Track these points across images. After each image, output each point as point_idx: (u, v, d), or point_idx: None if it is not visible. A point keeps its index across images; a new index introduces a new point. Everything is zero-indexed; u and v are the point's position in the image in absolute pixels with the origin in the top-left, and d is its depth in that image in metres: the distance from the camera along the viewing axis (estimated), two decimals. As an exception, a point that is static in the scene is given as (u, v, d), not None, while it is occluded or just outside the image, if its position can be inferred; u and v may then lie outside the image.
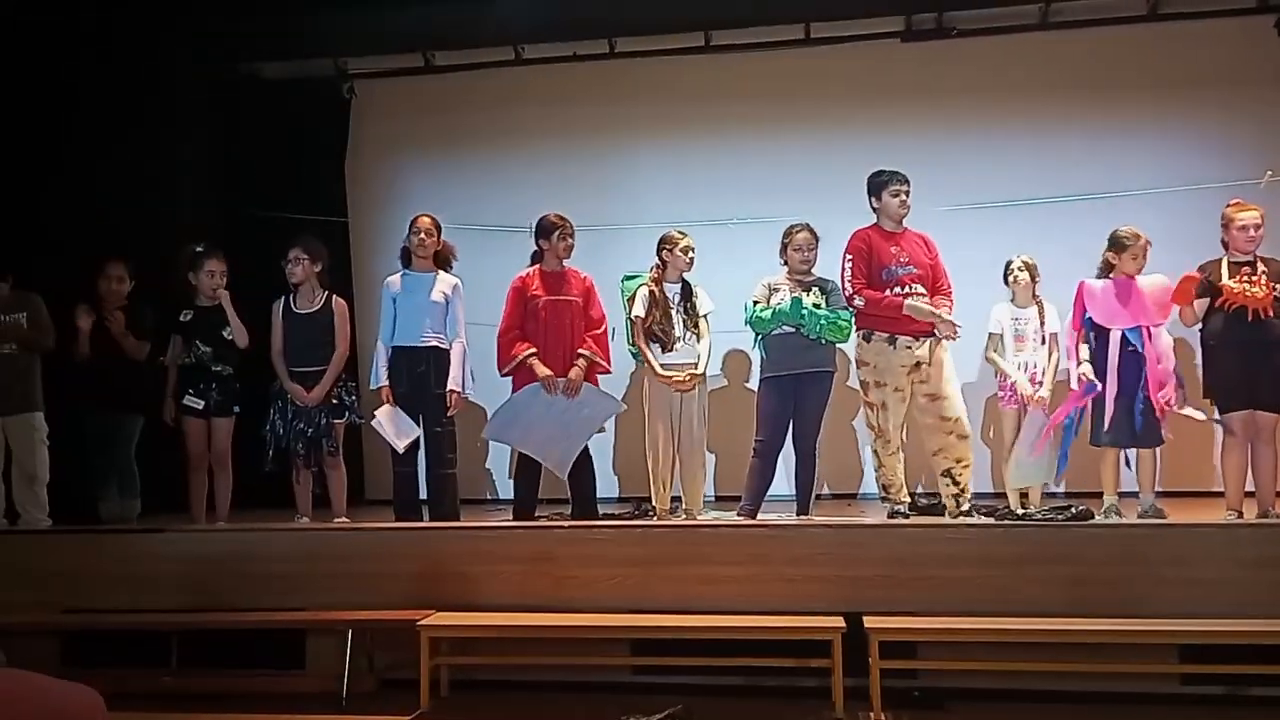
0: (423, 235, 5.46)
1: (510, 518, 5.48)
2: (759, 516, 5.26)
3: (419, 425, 5.35)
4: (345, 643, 4.39)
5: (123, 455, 5.75)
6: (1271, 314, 4.81)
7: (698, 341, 5.50)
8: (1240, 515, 4.89)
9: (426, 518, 5.41)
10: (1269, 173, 6.17)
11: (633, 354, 5.66)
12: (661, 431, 5.45)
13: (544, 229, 5.45)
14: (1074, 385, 5.12)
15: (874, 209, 5.33)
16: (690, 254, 5.53)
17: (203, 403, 5.48)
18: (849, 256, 5.26)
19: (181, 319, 5.57)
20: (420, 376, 5.36)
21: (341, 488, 5.56)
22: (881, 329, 5.19)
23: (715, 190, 6.91)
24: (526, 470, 5.46)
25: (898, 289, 5.17)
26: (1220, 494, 5.11)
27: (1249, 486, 4.97)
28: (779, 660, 4.22)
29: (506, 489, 6.17)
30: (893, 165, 5.36)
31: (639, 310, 5.46)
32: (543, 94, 7.18)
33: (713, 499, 6.18)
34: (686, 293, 5.55)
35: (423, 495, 5.52)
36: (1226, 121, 6.55)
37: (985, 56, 6.84)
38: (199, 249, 5.59)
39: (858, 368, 5.36)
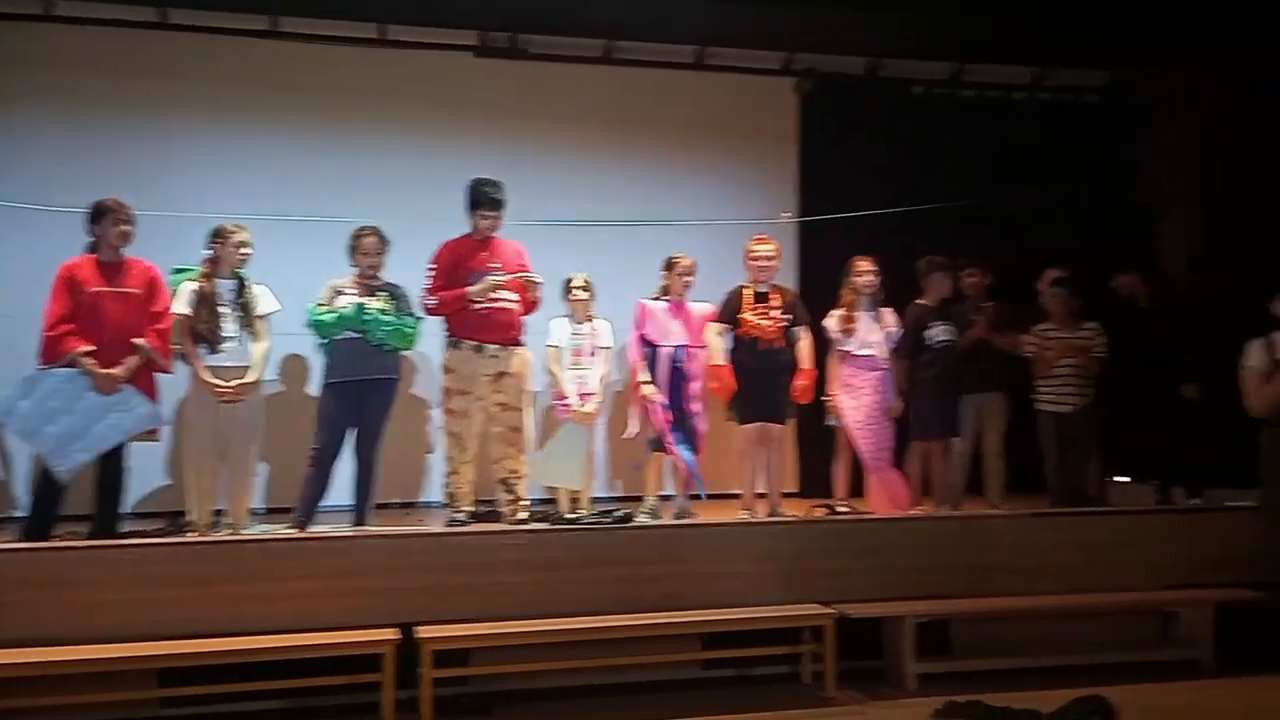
0: None
1: (19, 538, 4.75)
2: (313, 528, 5.05)
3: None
4: None
5: None
6: (778, 342, 5.53)
7: (254, 343, 5.16)
8: (753, 514, 5.54)
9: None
10: (784, 213, 7.11)
11: (178, 354, 5.17)
12: (204, 439, 5.03)
13: (96, 214, 4.82)
14: (636, 399, 5.55)
15: (467, 217, 5.35)
16: (246, 249, 5.18)
17: None
18: (433, 266, 5.26)
19: None
20: None
21: None
22: (469, 336, 5.21)
23: (280, 184, 6.53)
24: (47, 481, 4.77)
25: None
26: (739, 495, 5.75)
27: (761, 489, 5.66)
28: (328, 679, 4.07)
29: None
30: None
31: (183, 307, 5.01)
32: (75, 57, 6.35)
33: (263, 512, 5.83)
34: (242, 290, 5.19)
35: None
36: (756, 165, 7.41)
37: (556, 81, 7.15)
38: None
39: (443, 374, 5.34)
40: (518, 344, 5.35)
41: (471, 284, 5.20)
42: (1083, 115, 7.81)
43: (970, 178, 7.26)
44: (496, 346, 5.25)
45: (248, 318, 5.15)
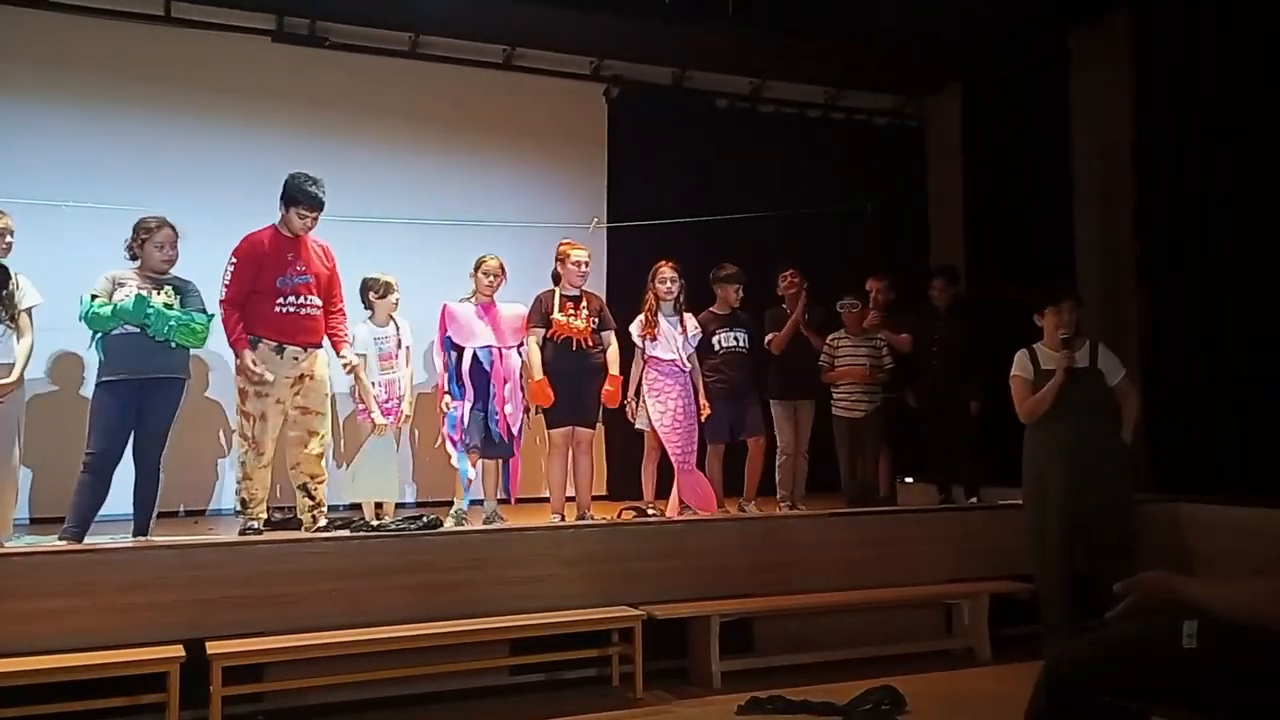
0: None
1: None
2: (88, 539, 4.65)
3: None
4: None
5: None
6: (590, 344, 5.54)
7: (16, 339, 4.70)
8: (563, 518, 5.52)
9: None
10: (595, 219, 7.16)
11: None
12: (-41, 444, 4.55)
13: None
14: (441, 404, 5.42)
15: (280, 211, 5.06)
16: (8, 236, 4.73)
17: None
18: (234, 260, 4.93)
19: None
20: None
21: None
22: (269, 337, 4.93)
23: (49, 167, 6.01)
24: None
25: (291, 298, 4.97)
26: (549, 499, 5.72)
27: (570, 492, 5.65)
28: (107, 701, 3.75)
29: None
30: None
31: (-65, 297, 4.52)
32: None
33: (27, 523, 5.33)
34: (4, 282, 4.71)
35: None
36: (565, 168, 7.44)
37: (359, 73, 6.92)
38: None
39: (238, 374, 5.02)
40: (318, 347, 5.11)
41: (280, 288, 4.92)
42: (873, 135, 8.28)
43: (771, 190, 7.55)
44: (297, 349, 5.00)
45: (9, 311, 4.69)
